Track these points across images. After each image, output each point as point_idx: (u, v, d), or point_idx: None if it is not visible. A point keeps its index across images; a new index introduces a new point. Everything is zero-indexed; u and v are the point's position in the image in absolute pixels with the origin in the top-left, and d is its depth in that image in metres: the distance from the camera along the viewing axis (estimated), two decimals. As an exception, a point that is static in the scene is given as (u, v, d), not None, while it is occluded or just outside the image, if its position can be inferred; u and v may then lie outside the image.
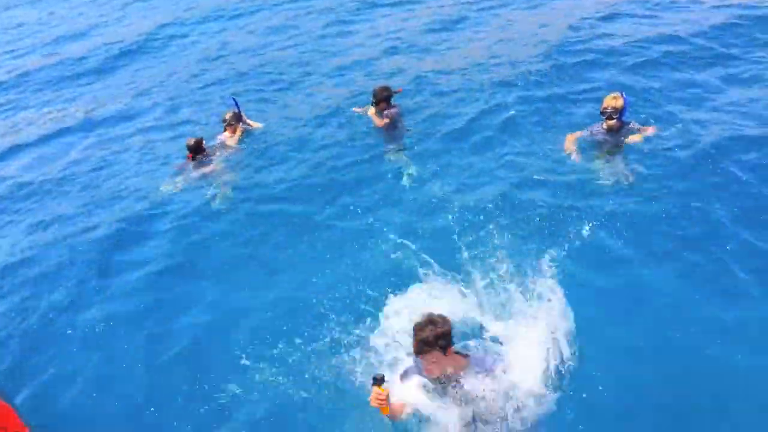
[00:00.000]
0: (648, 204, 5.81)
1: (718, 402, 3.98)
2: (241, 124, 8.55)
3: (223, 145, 8.34)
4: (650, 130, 6.63)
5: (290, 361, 4.65)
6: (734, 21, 9.54)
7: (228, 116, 8.44)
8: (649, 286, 4.91)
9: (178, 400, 4.58)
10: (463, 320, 4.54)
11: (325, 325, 4.91)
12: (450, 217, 6.05)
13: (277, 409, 4.35)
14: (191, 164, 7.94)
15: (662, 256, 5.17)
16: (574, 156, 6.60)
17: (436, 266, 5.13)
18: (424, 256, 5.30)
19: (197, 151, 7.92)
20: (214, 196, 7.30)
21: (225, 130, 8.45)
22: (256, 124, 8.85)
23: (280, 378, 4.52)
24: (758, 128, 6.75)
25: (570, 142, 6.76)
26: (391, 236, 5.84)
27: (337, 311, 5.03)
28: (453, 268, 5.13)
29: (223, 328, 5.18)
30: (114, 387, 4.82)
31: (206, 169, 7.86)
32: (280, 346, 4.79)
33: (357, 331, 4.74)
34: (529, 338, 4.07)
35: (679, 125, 6.89)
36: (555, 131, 7.31)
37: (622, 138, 6.53)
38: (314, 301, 5.21)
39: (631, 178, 6.18)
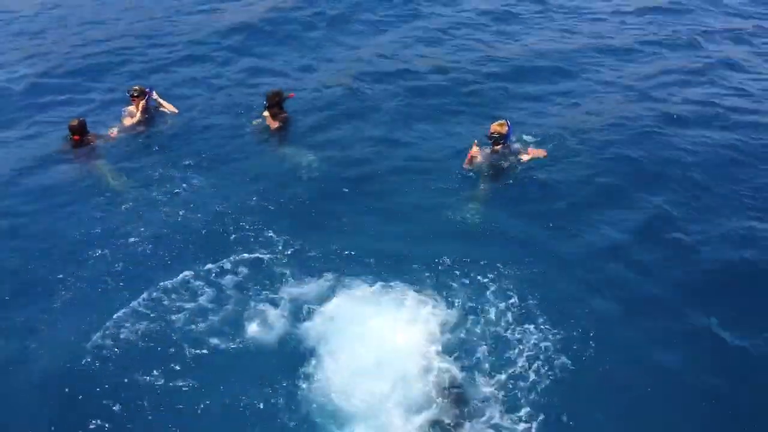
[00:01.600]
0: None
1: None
2: (147, 99, 8.76)
3: (122, 124, 8.65)
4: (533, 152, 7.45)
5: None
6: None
7: (134, 89, 8.73)
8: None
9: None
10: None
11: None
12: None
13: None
14: (74, 148, 8.07)
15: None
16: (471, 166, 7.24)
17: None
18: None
19: (81, 132, 8.03)
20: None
21: (132, 102, 8.73)
22: (169, 106, 9.02)
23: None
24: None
25: (469, 160, 7.29)
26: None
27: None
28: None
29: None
30: None
31: (90, 155, 8.04)
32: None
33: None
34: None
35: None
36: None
37: (508, 157, 7.28)
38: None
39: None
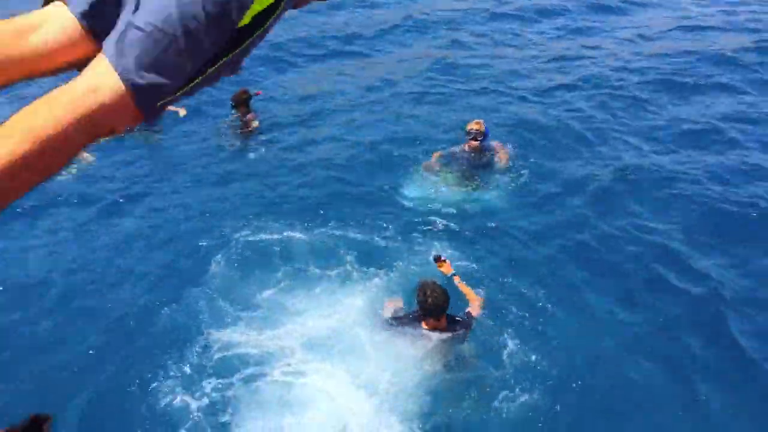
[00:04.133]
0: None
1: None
2: None
3: None
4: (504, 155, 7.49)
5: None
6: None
7: None
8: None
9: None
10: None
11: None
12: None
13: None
14: None
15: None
16: (429, 172, 7.25)
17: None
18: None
19: None
20: None
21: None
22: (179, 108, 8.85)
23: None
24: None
25: (435, 159, 7.39)
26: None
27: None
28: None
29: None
30: None
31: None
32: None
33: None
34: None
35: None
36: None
37: (483, 158, 7.37)
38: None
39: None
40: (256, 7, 1.16)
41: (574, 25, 12.78)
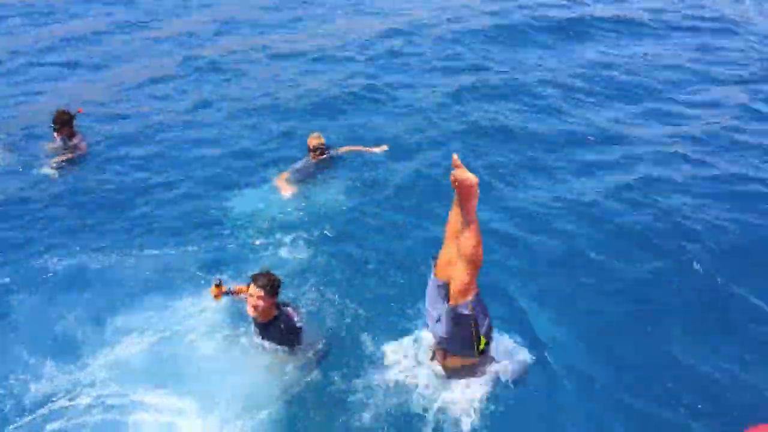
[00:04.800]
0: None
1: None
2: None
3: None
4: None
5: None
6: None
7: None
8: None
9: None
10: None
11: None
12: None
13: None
14: None
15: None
16: (288, 193, 7.10)
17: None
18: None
19: None
20: None
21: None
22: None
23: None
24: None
25: (282, 181, 7.24)
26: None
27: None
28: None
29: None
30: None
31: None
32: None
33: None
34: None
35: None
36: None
37: (330, 164, 7.56)
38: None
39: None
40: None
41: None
